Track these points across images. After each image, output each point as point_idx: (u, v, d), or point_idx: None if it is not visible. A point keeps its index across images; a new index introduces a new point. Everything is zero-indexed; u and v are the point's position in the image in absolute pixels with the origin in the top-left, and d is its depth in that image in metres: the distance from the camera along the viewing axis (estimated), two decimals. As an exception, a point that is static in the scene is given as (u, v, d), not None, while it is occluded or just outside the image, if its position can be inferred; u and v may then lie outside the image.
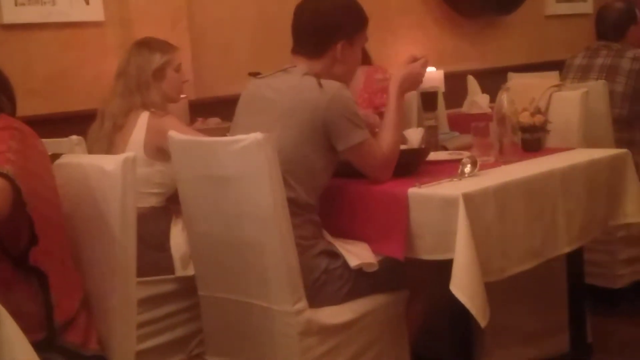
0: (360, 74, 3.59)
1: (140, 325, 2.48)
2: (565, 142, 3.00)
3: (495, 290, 2.30)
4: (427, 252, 2.32)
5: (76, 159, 2.19)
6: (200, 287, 2.56)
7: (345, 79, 2.58)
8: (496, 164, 2.63)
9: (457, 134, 3.30)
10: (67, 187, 2.00)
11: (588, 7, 5.93)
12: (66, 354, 1.83)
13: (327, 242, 2.44)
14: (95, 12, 3.59)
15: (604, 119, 3.48)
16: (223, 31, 3.98)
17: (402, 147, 2.67)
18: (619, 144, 3.43)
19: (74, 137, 2.70)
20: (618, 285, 3.56)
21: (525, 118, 2.86)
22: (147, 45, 3.02)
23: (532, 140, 2.86)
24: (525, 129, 2.85)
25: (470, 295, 2.15)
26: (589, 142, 3.10)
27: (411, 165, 2.58)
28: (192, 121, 3.54)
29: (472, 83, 4.43)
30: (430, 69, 3.41)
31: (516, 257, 2.37)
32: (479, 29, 5.39)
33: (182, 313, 2.84)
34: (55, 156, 2.09)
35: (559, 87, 3.29)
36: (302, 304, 2.26)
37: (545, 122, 2.90)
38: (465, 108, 4.33)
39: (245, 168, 2.25)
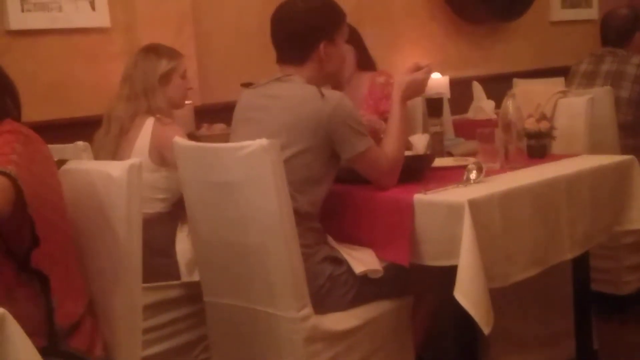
0: (365, 80, 3.59)
1: (146, 331, 2.48)
2: (571, 149, 3.00)
3: (501, 297, 2.30)
4: (433, 258, 2.32)
5: (82, 164, 2.20)
6: (206, 293, 2.56)
7: (337, 76, 2.61)
8: (502, 170, 2.63)
9: (462, 140, 3.30)
10: (73, 193, 2.01)
11: (593, 13, 5.93)
12: (71, 360, 1.84)
13: (331, 248, 2.44)
14: (101, 18, 3.60)
15: (610, 126, 3.48)
16: (228, 37, 3.98)
17: (408, 153, 2.67)
18: (624, 150, 3.42)
19: (80, 143, 2.70)
20: (624, 291, 3.55)
21: (530, 124, 2.86)
22: (154, 50, 3.04)
23: (538, 147, 2.86)
24: (530, 135, 2.85)
25: (474, 302, 2.15)
26: (595, 148, 3.09)
27: (416, 171, 2.58)
28: (197, 127, 3.54)
29: (478, 89, 4.43)
30: (436, 75, 3.41)
31: (521, 263, 2.37)
32: (484, 34, 5.39)
33: (187, 319, 2.83)
34: (62, 162, 2.09)
35: (564, 93, 3.29)
36: (308, 310, 2.26)
37: (551, 128, 2.90)
38: (471, 114, 4.33)
39: (250, 174, 2.25)
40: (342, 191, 2.53)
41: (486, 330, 2.17)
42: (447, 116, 3.80)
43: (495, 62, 5.38)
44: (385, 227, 2.42)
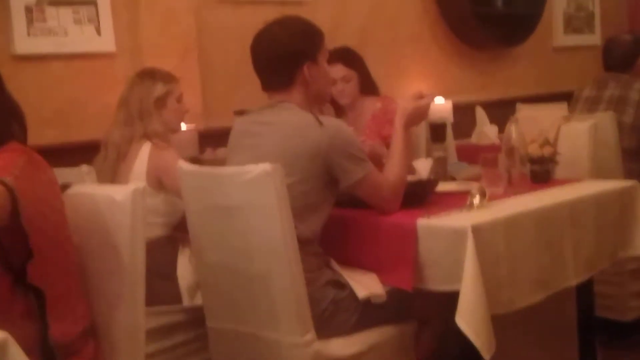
0: (368, 105, 3.60)
1: (147, 357, 2.46)
2: (575, 174, 3.00)
3: (505, 323, 2.29)
4: (436, 283, 2.32)
5: (86, 188, 2.21)
6: (209, 318, 2.55)
7: (324, 96, 2.62)
8: (505, 195, 2.63)
9: (465, 164, 3.30)
10: (77, 217, 2.01)
11: (596, 39, 5.96)
12: (73, 384, 1.83)
13: (333, 272, 2.43)
14: (106, 43, 3.62)
15: (614, 151, 3.48)
16: (232, 62, 4.00)
17: (411, 178, 2.67)
18: (629, 175, 3.43)
19: (84, 167, 2.72)
20: (628, 317, 3.53)
21: (534, 149, 2.86)
22: (150, 74, 3.05)
23: (541, 172, 2.86)
24: (534, 160, 2.85)
25: (476, 329, 2.14)
26: (599, 173, 3.10)
27: (420, 196, 2.58)
28: (201, 151, 3.55)
29: (481, 114, 4.45)
30: (439, 100, 3.42)
31: (525, 289, 2.36)
32: (487, 60, 5.42)
33: (190, 344, 2.82)
34: (66, 186, 2.10)
35: (567, 118, 3.30)
36: (311, 335, 2.26)
37: (554, 153, 2.90)
38: (474, 139, 4.34)
39: (253, 199, 2.25)
40: (345, 216, 2.53)
41: (487, 356, 2.16)
42: (451, 141, 3.81)
43: (499, 87, 5.40)
44: (389, 251, 2.41)
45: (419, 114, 2.64)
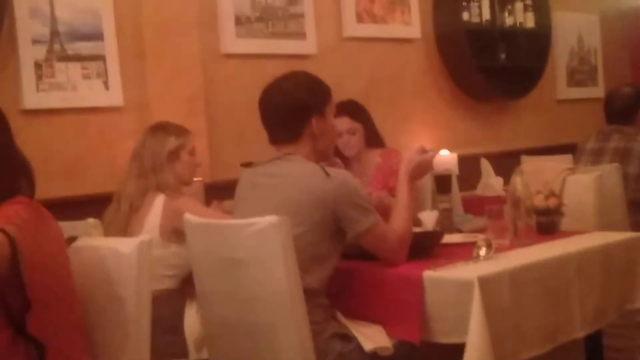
0: (375, 157, 3.62)
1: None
2: (580, 226, 2.99)
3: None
4: (444, 335, 2.30)
5: (92, 241, 2.21)
6: (214, 371, 2.53)
7: (330, 150, 2.64)
8: (511, 247, 2.62)
9: (471, 216, 3.30)
10: (83, 270, 2.01)
11: (599, 92, 6.00)
12: None
13: (339, 325, 2.42)
14: (114, 97, 3.67)
15: (619, 202, 3.49)
16: (238, 115, 4.05)
17: (417, 229, 2.67)
18: (634, 227, 3.42)
19: (91, 220, 2.73)
20: (638, 370, 3.49)
21: (539, 201, 2.86)
22: (162, 128, 3.08)
23: (547, 223, 2.86)
24: (539, 212, 2.85)
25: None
26: (604, 225, 3.09)
27: (426, 247, 2.58)
28: (207, 203, 3.56)
29: (486, 166, 4.46)
30: (444, 152, 3.44)
31: (531, 340, 2.34)
32: (492, 112, 5.46)
33: (195, 398, 2.79)
34: (72, 239, 2.11)
35: (572, 170, 3.31)
36: (317, 389, 2.23)
37: (560, 205, 2.90)
38: (479, 190, 4.35)
39: (260, 251, 2.25)
40: (351, 267, 2.53)
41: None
42: (456, 193, 3.82)
43: (503, 139, 5.43)
44: (395, 303, 2.40)
45: (424, 167, 2.67)
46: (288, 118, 2.51)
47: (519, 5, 5.39)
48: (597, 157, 3.93)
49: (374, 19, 4.71)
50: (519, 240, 2.66)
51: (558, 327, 2.43)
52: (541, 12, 5.50)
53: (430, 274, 2.32)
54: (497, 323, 2.20)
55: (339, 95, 2.70)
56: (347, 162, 3.59)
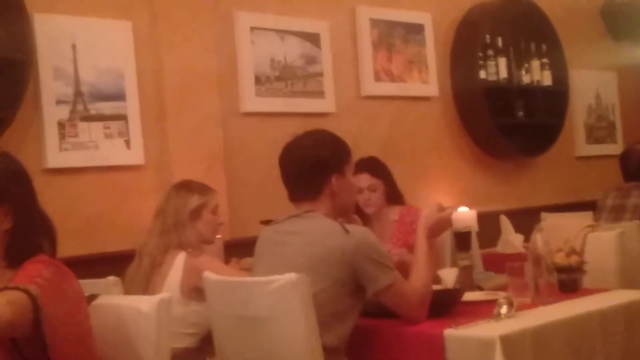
0: (394, 214, 3.63)
1: None
2: (602, 283, 2.96)
3: None
4: (465, 395, 2.26)
5: (113, 299, 2.22)
6: None
7: (348, 208, 2.65)
8: (533, 304, 2.60)
9: (492, 274, 3.28)
10: (103, 328, 2.02)
11: (618, 148, 5.99)
12: None
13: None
14: (136, 156, 3.71)
15: (641, 259, 3.45)
16: (257, 173, 4.07)
17: (437, 287, 2.66)
18: (657, 284, 3.38)
19: (111, 278, 2.74)
20: None
21: (560, 258, 2.84)
22: (186, 186, 3.12)
23: (569, 281, 2.83)
24: (561, 269, 2.83)
25: None
26: (626, 282, 3.06)
27: (446, 305, 2.56)
28: (226, 261, 3.56)
29: (505, 223, 4.44)
30: (463, 209, 3.43)
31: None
32: (511, 169, 5.46)
33: None
34: (93, 297, 2.12)
35: (593, 227, 3.29)
36: None
37: (581, 262, 2.88)
38: (499, 248, 4.32)
39: (279, 308, 2.24)
40: (371, 325, 2.51)
41: None
42: (476, 250, 3.80)
43: (522, 196, 5.42)
44: (416, 363, 2.38)
45: (442, 225, 2.68)
46: (308, 175, 2.53)
47: (535, 64, 5.43)
48: (617, 214, 3.92)
49: (392, 78, 4.76)
50: (541, 298, 2.64)
51: (582, 387, 2.39)
52: (558, 70, 5.54)
53: (452, 333, 2.30)
54: (520, 382, 2.17)
55: (357, 152, 2.72)
56: (366, 219, 3.60)
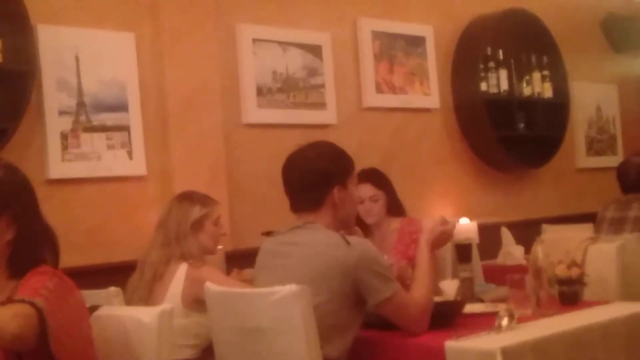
0: (395, 226, 3.63)
1: None
2: (603, 296, 2.97)
3: None
4: (466, 407, 2.26)
5: (114, 310, 2.23)
6: None
7: (350, 220, 2.65)
8: (534, 317, 2.60)
9: (492, 285, 3.28)
10: (104, 339, 2.02)
11: (619, 161, 5.96)
12: None
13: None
14: (138, 167, 3.72)
15: (642, 272, 3.45)
16: (259, 184, 4.08)
17: (438, 299, 2.66)
18: (658, 297, 3.38)
19: (113, 289, 2.74)
20: None
21: (561, 271, 2.85)
22: (188, 198, 3.12)
23: (570, 293, 2.83)
24: (562, 281, 2.83)
25: None
26: (627, 295, 3.06)
27: (447, 317, 2.56)
28: (228, 272, 3.57)
29: (506, 235, 4.45)
30: (464, 221, 3.44)
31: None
32: (511, 181, 5.47)
33: None
34: (94, 308, 2.12)
35: (594, 239, 3.29)
36: None
37: (582, 274, 2.88)
38: (500, 260, 4.33)
39: (280, 320, 2.25)
40: (371, 337, 2.51)
41: None
42: (477, 262, 3.80)
43: (523, 208, 5.42)
44: (417, 374, 2.38)
45: (444, 238, 2.69)
46: (310, 187, 2.54)
47: (536, 76, 5.45)
48: (618, 226, 3.92)
49: (393, 90, 4.78)
50: (542, 310, 2.64)
51: (583, 399, 2.39)
52: (559, 82, 5.55)
53: (452, 344, 2.30)
54: (521, 395, 2.17)
55: (358, 164, 2.73)
56: (367, 230, 3.60)
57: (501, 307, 2.56)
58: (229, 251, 3.68)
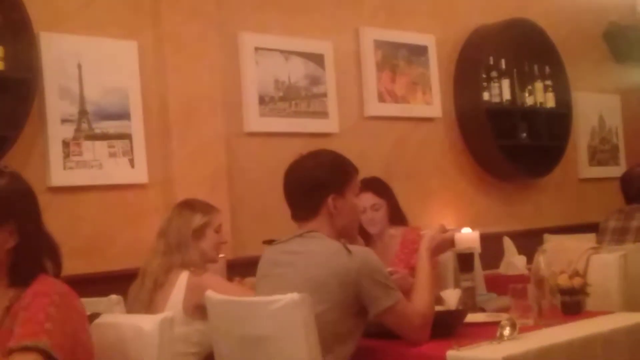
0: (397, 235, 3.62)
1: None
2: (605, 306, 2.95)
3: None
4: (467, 418, 2.25)
5: (114, 318, 2.22)
6: None
7: (351, 230, 2.63)
8: (536, 326, 2.59)
9: (494, 295, 3.28)
10: (104, 347, 2.01)
11: (621, 171, 5.94)
12: None
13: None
14: (139, 175, 3.72)
15: (644, 282, 3.44)
16: (261, 193, 4.08)
17: (440, 308, 2.65)
18: (661, 307, 3.36)
19: (113, 297, 2.74)
20: None
21: (563, 280, 2.84)
22: (189, 206, 3.12)
23: (572, 303, 2.82)
24: (564, 291, 2.82)
25: None
26: (629, 305, 3.05)
27: (449, 327, 2.55)
28: (229, 280, 3.56)
29: (508, 244, 4.44)
30: (466, 230, 3.44)
31: None
32: (514, 190, 5.46)
33: None
34: (95, 315, 2.11)
35: (596, 249, 3.28)
36: None
37: (584, 284, 2.87)
38: (502, 269, 4.32)
39: (281, 329, 2.24)
40: (372, 346, 2.50)
41: None
42: (479, 271, 3.79)
43: (525, 217, 5.42)
44: (418, 384, 2.37)
45: (444, 246, 2.70)
46: (305, 195, 2.54)
47: (539, 86, 5.45)
48: (620, 236, 3.91)
49: (395, 99, 4.78)
50: (544, 320, 2.63)
51: (585, 410, 2.37)
52: (561, 92, 5.55)
53: (454, 354, 2.29)
54: (523, 405, 2.16)
55: (360, 173, 2.72)
56: (369, 240, 3.60)
57: (503, 317, 2.55)
58: (230, 259, 3.67)
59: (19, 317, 1.78)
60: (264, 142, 4.20)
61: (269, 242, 2.66)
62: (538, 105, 5.45)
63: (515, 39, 5.33)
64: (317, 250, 2.46)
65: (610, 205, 4.81)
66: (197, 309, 2.87)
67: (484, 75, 5.13)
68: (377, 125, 4.71)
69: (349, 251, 2.40)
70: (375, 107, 4.67)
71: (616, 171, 5.98)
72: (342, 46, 4.57)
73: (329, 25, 4.53)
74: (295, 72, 4.31)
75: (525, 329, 2.50)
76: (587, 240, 4.07)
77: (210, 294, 2.54)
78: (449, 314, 2.69)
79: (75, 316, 1.88)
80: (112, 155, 3.64)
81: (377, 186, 3.63)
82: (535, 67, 5.44)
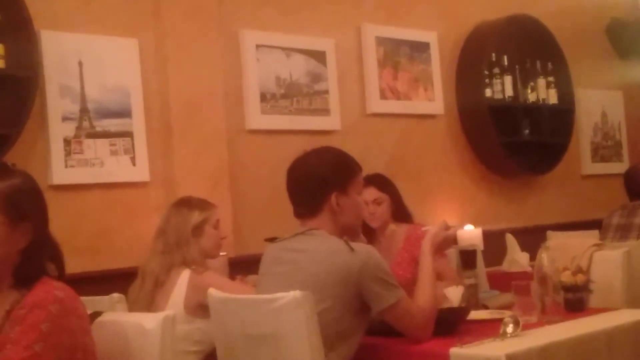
0: (401, 233, 3.61)
1: None
2: (609, 303, 2.95)
3: None
4: (471, 415, 2.25)
5: (116, 316, 2.21)
6: None
7: (354, 228, 2.62)
8: (539, 323, 2.58)
9: (497, 292, 3.26)
10: (106, 345, 2.01)
11: (624, 167, 5.96)
12: None
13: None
14: (141, 173, 3.72)
15: (648, 278, 3.43)
16: (263, 190, 4.08)
17: (442, 305, 2.64)
18: (664, 304, 3.35)
19: (115, 295, 2.73)
20: None
21: (567, 277, 2.83)
22: (186, 203, 3.11)
23: (575, 300, 2.82)
24: (567, 288, 2.81)
25: None
26: (633, 301, 3.04)
27: (452, 324, 2.55)
28: (231, 278, 3.56)
29: (511, 241, 4.43)
30: (469, 227, 3.43)
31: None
32: (516, 187, 5.45)
33: None
34: (97, 314, 2.11)
35: (599, 246, 3.27)
36: None
37: (588, 281, 2.86)
38: (505, 266, 4.31)
39: (283, 326, 2.24)
40: (375, 344, 2.49)
41: None
42: (482, 268, 3.78)
43: (528, 214, 5.41)
44: (421, 382, 2.36)
45: (447, 242, 2.70)
46: (307, 192, 2.54)
47: (541, 82, 5.44)
48: (624, 232, 3.91)
49: (398, 96, 4.77)
50: (547, 317, 2.62)
51: (589, 407, 2.37)
52: (564, 88, 5.54)
53: (457, 351, 2.29)
54: (526, 402, 2.16)
55: (362, 171, 2.71)
56: (373, 236, 3.59)
57: (506, 314, 2.55)
58: (232, 257, 3.67)
59: (14, 331, 1.76)
60: (266, 139, 4.19)
61: (271, 239, 2.65)
62: (540, 101, 5.44)
63: (518, 36, 5.31)
64: (320, 247, 2.45)
65: (613, 201, 4.80)
66: (199, 307, 2.86)
67: (486, 72, 5.12)
68: (379, 122, 4.70)
69: (352, 249, 2.39)
70: (377, 104, 4.66)
71: (619, 167, 5.97)
72: (344, 43, 4.56)
73: (331, 22, 4.52)
74: (297, 69, 4.30)
75: (528, 326, 2.49)
76: (590, 236, 4.06)
77: (212, 292, 2.54)
78: (451, 311, 2.68)
79: (74, 321, 1.84)
80: (114, 153, 3.63)
81: (379, 181, 3.63)
82: (538, 64, 5.43)
